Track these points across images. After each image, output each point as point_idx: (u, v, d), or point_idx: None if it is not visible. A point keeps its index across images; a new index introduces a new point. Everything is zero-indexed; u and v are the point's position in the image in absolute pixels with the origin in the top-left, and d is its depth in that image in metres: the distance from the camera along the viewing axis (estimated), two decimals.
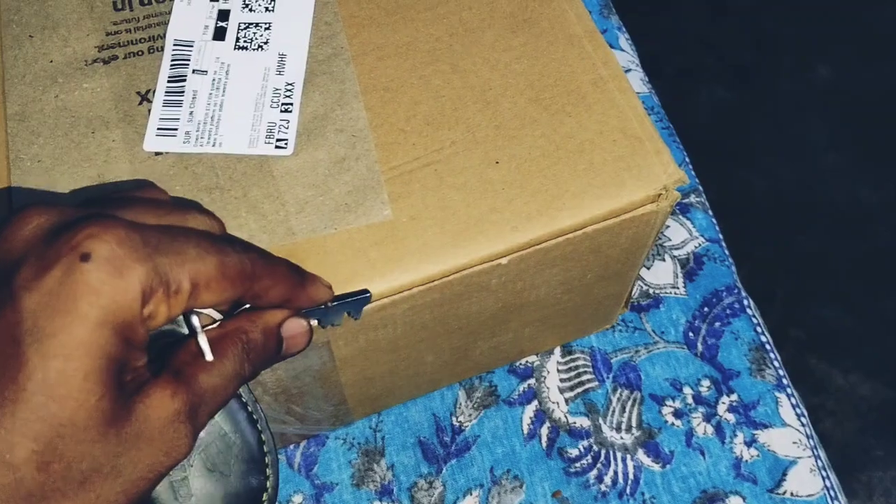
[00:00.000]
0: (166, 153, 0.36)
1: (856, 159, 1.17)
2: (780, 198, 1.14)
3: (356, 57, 0.38)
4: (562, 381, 0.48)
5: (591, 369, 0.49)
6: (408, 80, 0.38)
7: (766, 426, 0.48)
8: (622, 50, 0.62)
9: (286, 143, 0.36)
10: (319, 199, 0.35)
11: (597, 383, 0.48)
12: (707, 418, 0.48)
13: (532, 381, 0.48)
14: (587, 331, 0.49)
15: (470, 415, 0.47)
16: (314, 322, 0.32)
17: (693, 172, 0.58)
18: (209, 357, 0.26)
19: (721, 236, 0.55)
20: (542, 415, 0.48)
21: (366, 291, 0.33)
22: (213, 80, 0.37)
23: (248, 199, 0.35)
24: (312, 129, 0.36)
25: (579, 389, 0.48)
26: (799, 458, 0.47)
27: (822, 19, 1.28)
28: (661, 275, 0.52)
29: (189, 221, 0.27)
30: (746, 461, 0.47)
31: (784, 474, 0.47)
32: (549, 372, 0.49)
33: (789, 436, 0.48)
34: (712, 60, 1.26)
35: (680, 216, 0.55)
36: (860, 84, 1.23)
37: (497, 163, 0.36)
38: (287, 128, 0.36)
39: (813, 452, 0.47)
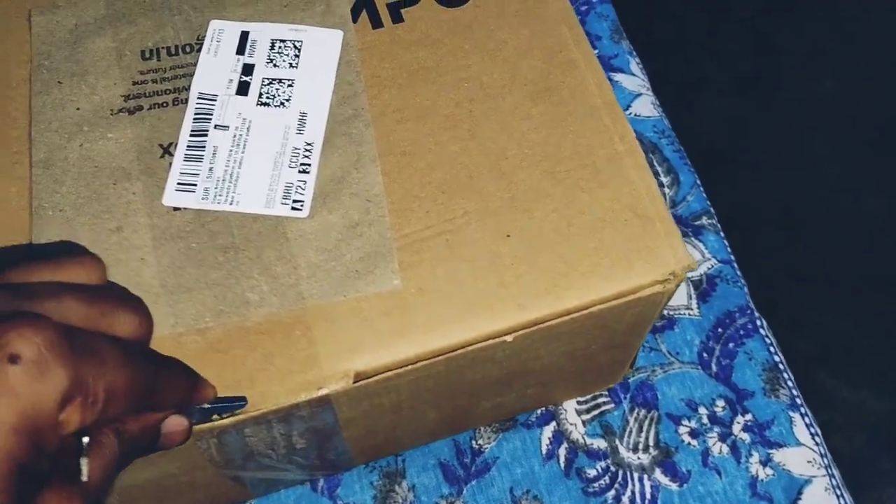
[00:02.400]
0: (185, 209, 0.36)
1: (860, 170, 1.16)
2: (784, 208, 1.14)
3: (375, 118, 0.39)
4: (579, 403, 0.49)
5: (606, 392, 0.50)
6: (425, 145, 0.38)
7: (780, 445, 0.49)
8: (633, 74, 0.62)
9: (302, 206, 0.36)
10: (331, 264, 0.35)
11: (613, 405, 0.49)
12: (723, 438, 0.49)
13: (550, 405, 0.49)
14: (591, 390, 0.49)
15: (489, 437, 0.48)
16: None
17: (704, 195, 0.58)
18: (84, 479, 0.26)
19: (733, 257, 0.56)
20: (560, 436, 0.48)
21: (242, 399, 0.32)
22: (235, 136, 0.38)
23: (262, 260, 0.35)
24: (328, 192, 0.37)
25: (596, 412, 0.49)
26: (814, 476, 0.48)
27: (825, 30, 1.27)
28: (676, 296, 0.53)
29: (117, 320, 0.27)
30: (762, 480, 0.48)
31: (800, 493, 0.48)
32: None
33: (804, 455, 0.49)
34: (715, 73, 1.25)
35: (693, 238, 0.56)
36: (864, 95, 1.22)
37: (508, 236, 0.36)
38: (304, 189, 0.37)
39: (827, 471, 0.48)
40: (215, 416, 0.32)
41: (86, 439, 0.26)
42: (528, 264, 0.36)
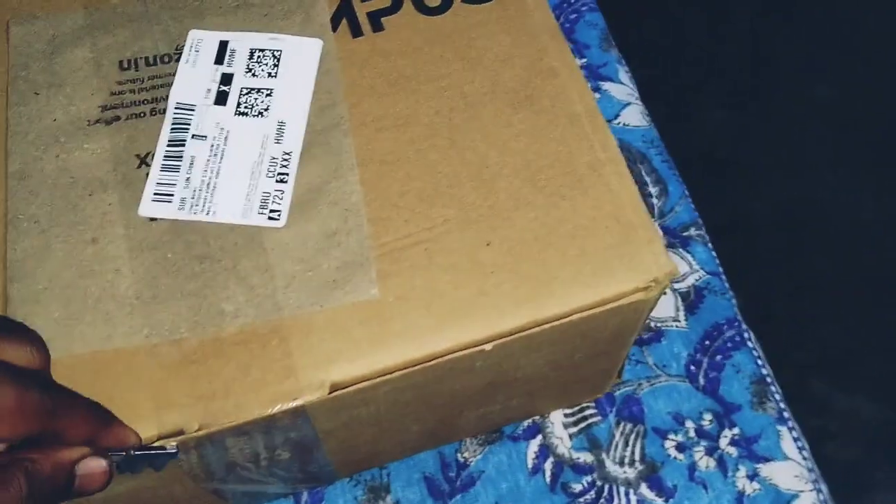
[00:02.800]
0: (161, 219, 0.36)
1: (860, 175, 1.16)
2: (779, 217, 1.13)
3: (355, 127, 0.38)
4: (566, 415, 0.49)
5: (593, 403, 0.49)
6: (405, 154, 0.38)
7: (767, 460, 0.48)
8: (622, 83, 0.62)
9: (279, 215, 0.36)
10: (308, 273, 0.35)
11: (600, 417, 0.49)
12: (709, 452, 0.48)
13: (536, 416, 0.49)
14: (579, 400, 0.49)
15: (475, 450, 0.48)
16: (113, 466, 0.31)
17: (693, 205, 0.58)
18: None
19: (721, 269, 0.55)
20: (545, 450, 0.48)
21: (174, 449, 0.32)
22: (212, 146, 0.37)
23: (238, 270, 0.35)
24: (306, 201, 0.36)
25: (583, 424, 0.49)
26: (801, 491, 0.47)
27: (820, 38, 1.27)
28: (663, 308, 0.53)
29: (8, 349, 0.27)
30: (749, 495, 0.47)
31: None
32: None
33: (791, 469, 0.48)
34: (712, 82, 1.25)
35: (680, 249, 0.55)
36: (863, 99, 1.22)
37: (488, 244, 0.36)
38: (281, 199, 0.36)
39: (814, 486, 0.48)
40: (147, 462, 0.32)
41: None
42: (508, 272, 0.35)
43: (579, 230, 0.36)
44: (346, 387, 0.33)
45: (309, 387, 0.33)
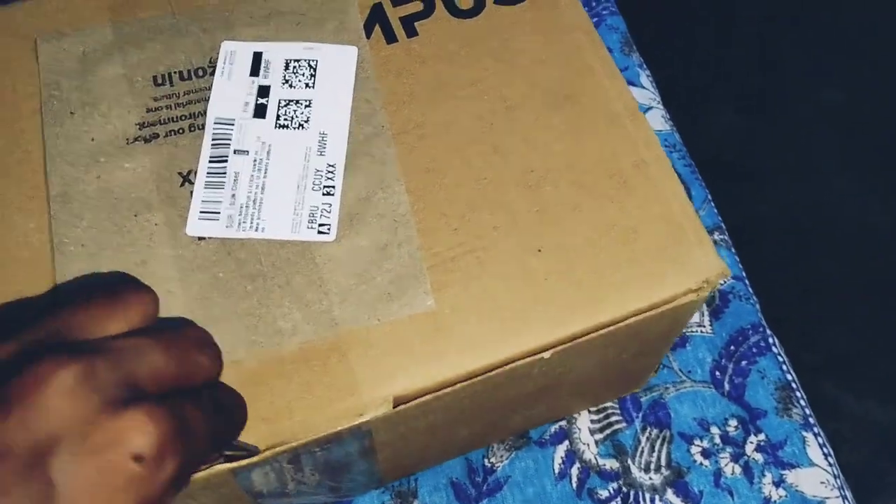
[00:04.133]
0: (209, 238, 0.36)
1: (864, 181, 1.17)
2: (790, 221, 1.14)
3: (396, 136, 0.38)
4: (592, 422, 0.49)
5: (619, 410, 0.49)
6: (449, 161, 0.38)
7: (793, 466, 0.48)
8: (643, 87, 0.62)
9: (329, 229, 0.36)
10: (362, 287, 0.35)
11: (625, 424, 0.49)
12: (735, 458, 0.48)
13: (563, 422, 0.49)
14: (619, 395, 0.49)
15: (502, 456, 0.48)
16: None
17: (716, 210, 0.58)
18: None
19: (744, 274, 0.55)
20: (572, 455, 0.48)
21: (254, 449, 0.32)
22: (255, 160, 0.37)
23: (291, 287, 0.35)
24: (354, 214, 0.36)
25: (608, 431, 0.49)
26: (827, 498, 0.48)
27: (830, 42, 1.28)
28: None
29: (194, 367, 0.27)
30: (775, 501, 0.47)
31: None
32: (580, 414, 0.49)
33: (817, 476, 0.48)
34: (722, 87, 1.25)
35: None
36: (871, 103, 1.22)
37: (539, 251, 0.36)
38: (329, 212, 0.36)
39: (840, 493, 0.48)
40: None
41: None
42: (561, 278, 0.35)
43: (629, 232, 0.36)
44: (409, 401, 0.33)
45: (372, 402, 0.33)
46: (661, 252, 0.36)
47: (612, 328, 0.35)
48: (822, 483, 0.48)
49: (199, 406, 0.26)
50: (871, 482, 0.97)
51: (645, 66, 0.63)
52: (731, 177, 1.16)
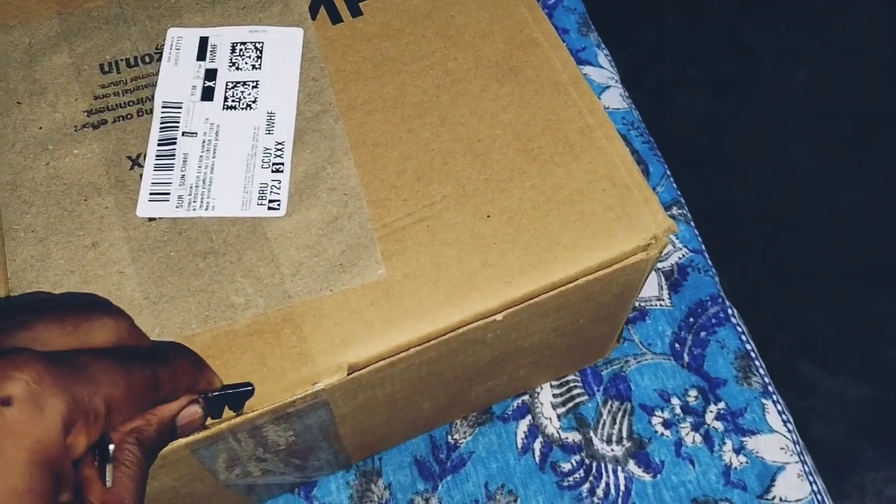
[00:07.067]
0: (160, 218, 0.36)
1: (836, 164, 1.18)
2: (762, 204, 1.15)
3: (344, 112, 0.38)
4: (554, 396, 0.49)
5: (580, 383, 0.50)
6: (397, 135, 0.38)
7: (753, 433, 0.49)
8: (601, 67, 0.62)
9: (279, 204, 0.36)
10: (314, 260, 0.35)
11: (587, 396, 0.49)
12: (695, 427, 0.49)
13: (526, 396, 0.49)
14: (581, 365, 0.49)
15: (465, 432, 0.48)
16: None
17: (675, 185, 0.59)
18: (108, 484, 0.26)
19: (704, 247, 0.56)
20: (535, 429, 0.48)
21: (248, 384, 0.32)
22: (204, 141, 0.37)
23: (244, 262, 0.35)
24: (304, 189, 0.36)
25: (570, 404, 0.49)
26: (787, 463, 0.48)
27: (799, 27, 1.30)
28: (647, 287, 0.53)
29: (95, 329, 0.27)
30: (735, 468, 0.48)
31: (773, 480, 0.48)
32: (542, 388, 0.49)
33: (776, 442, 0.49)
34: (693, 71, 1.27)
35: None
36: (838, 89, 1.24)
37: (488, 216, 0.36)
38: (279, 188, 0.36)
39: (800, 458, 0.48)
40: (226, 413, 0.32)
41: (111, 446, 0.26)
42: (510, 242, 0.36)
43: (576, 195, 0.37)
44: (363, 367, 0.34)
45: (327, 370, 0.33)
46: (608, 212, 0.36)
47: (562, 288, 0.35)
48: (782, 449, 0.48)
49: (105, 359, 0.25)
50: (848, 458, 0.98)
51: (603, 45, 0.64)
52: (703, 163, 1.17)
